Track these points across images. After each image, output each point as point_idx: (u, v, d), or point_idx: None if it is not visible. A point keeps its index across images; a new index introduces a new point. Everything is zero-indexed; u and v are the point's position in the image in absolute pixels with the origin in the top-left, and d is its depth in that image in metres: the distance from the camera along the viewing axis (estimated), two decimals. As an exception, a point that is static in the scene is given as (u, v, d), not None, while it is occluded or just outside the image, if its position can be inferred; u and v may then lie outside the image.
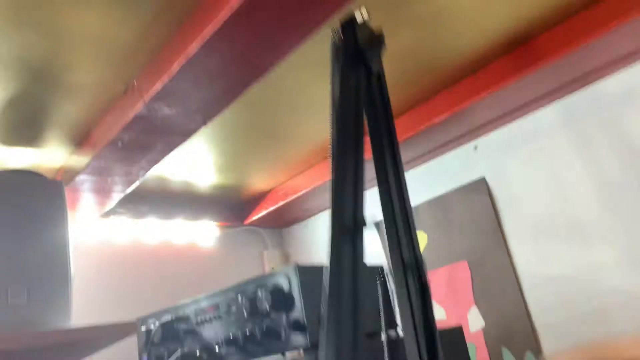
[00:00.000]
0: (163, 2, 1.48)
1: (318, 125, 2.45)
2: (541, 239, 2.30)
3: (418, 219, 2.58)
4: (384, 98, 1.31)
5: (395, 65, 1.95)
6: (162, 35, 1.61)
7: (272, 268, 3.53)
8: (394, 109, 1.28)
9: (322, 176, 2.88)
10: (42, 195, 1.86)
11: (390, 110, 1.29)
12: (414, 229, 1.20)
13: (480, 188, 2.54)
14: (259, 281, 1.54)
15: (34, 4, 1.40)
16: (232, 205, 3.39)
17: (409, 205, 1.22)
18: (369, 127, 1.27)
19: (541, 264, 2.29)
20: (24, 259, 1.65)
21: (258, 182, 3.08)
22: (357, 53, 1.25)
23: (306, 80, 2.01)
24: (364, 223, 1.06)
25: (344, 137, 1.15)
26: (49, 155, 2.28)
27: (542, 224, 2.31)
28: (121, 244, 2.95)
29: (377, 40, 1.25)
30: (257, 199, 3.34)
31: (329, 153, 1.10)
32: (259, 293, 1.50)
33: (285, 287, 1.47)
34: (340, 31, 1.28)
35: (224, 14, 1.39)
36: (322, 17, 1.43)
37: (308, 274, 1.45)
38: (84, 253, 2.72)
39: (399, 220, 1.21)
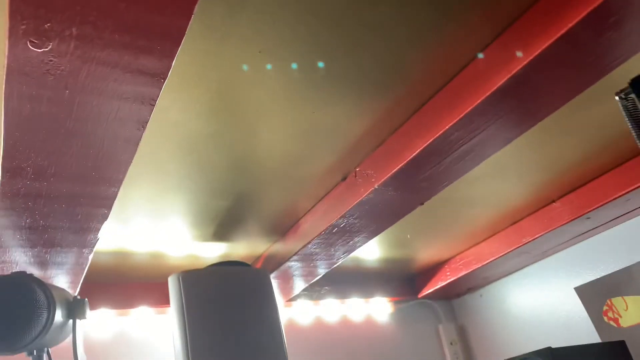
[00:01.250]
0: (400, 93, 1.47)
1: (510, 191, 2.31)
2: None
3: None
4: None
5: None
6: (393, 126, 1.60)
7: (451, 343, 3.32)
8: None
9: (508, 243, 2.71)
10: (252, 283, 1.89)
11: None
12: None
13: None
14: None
15: (270, 103, 1.44)
16: (403, 279, 3.28)
17: None
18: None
19: None
20: (252, 340, 1.69)
21: (434, 252, 2.95)
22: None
23: (514, 148, 1.90)
24: None
25: None
26: (248, 247, 2.33)
27: None
28: (304, 324, 2.94)
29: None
30: (430, 271, 3.20)
31: None
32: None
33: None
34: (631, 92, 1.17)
35: (479, 94, 1.34)
36: (593, 81, 1.32)
37: None
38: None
39: None
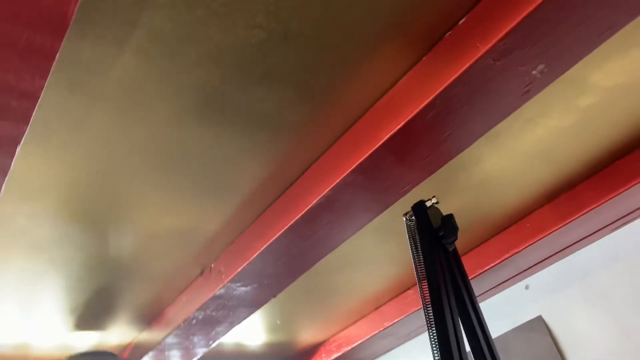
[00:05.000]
0: (246, 196, 1.66)
1: (370, 280, 2.54)
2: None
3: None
4: (460, 268, 1.43)
5: (446, 222, 2.09)
6: (242, 224, 1.78)
7: None
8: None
9: (373, 326, 2.91)
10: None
11: (466, 276, 1.41)
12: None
13: (539, 327, 2.54)
14: None
15: (123, 209, 1.58)
16: (284, 360, 3.38)
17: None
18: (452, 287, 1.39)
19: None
20: None
21: (309, 335, 3.09)
22: (433, 235, 1.39)
23: (364, 243, 2.14)
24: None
25: (438, 303, 1.26)
26: (118, 335, 2.36)
27: (611, 362, 2.28)
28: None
29: (450, 225, 1.39)
30: (308, 353, 3.32)
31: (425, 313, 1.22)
32: None
33: None
34: (413, 215, 1.43)
35: (304, 206, 1.56)
36: (390, 203, 1.59)
37: None
38: None
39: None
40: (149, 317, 2.25)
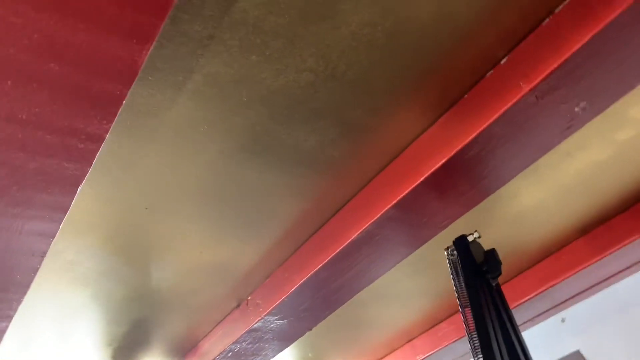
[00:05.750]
0: (284, 230, 1.69)
1: (402, 313, 2.53)
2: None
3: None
4: (503, 301, 1.42)
5: (481, 255, 2.09)
6: (279, 258, 1.80)
7: None
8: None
9: (406, 358, 2.88)
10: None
11: (510, 310, 1.40)
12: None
13: (577, 362, 2.48)
14: None
15: (164, 244, 1.62)
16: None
17: None
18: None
19: None
20: None
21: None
22: (476, 270, 1.39)
23: (399, 277, 2.14)
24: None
25: (484, 332, 1.26)
26: (152, 367, 2.38)
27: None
28: None
29: (494, 260, 1.39)
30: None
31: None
32: None
33: None
34: (454, 249, 1.43)
35: (343, 240, 1.57)
36: (428, 237, 1.60)
37: None
38: None
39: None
40: (184, 349, 2.27)
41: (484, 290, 1.35)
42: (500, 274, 1.38)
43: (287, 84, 1.15)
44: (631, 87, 1.20)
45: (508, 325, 1.38)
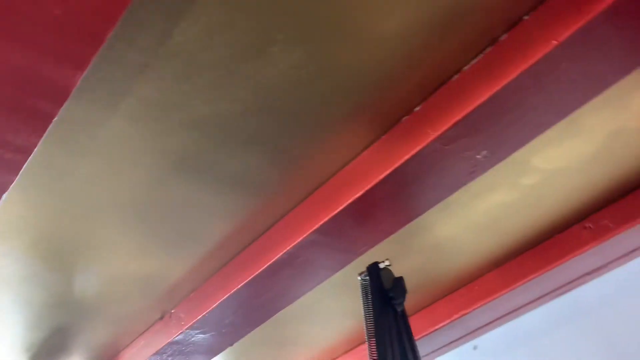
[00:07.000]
0: (211, 248, 1.75)
1: (325, 332, 2.62)
2: None
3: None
4: (407, 327, 1.54)
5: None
6: (205, 274, 1.86)
7: None
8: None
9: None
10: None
11: (412, 336, 1.51)
12: None
13: (486, 388, 2.64)
14: None
15: (91, 252, 1.65)
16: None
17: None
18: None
19: None
20: None
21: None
22: (384, 295, 1.51)
23: (321, 297, 2.24)
24: None
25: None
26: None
27: None
28: None
29: (400, 288, 1.51)
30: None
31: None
32: None
33: None
34: (367, 275, 1.54)
35: (266, 260, 1.66)
36: (347, 262, 1.70)
37: None
38: None
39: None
40: (105, 358, 2.26)
41: (390, 316, 1.46)
42: (404, 300, 1.50)
43: (218, 112, 1.24)
44: (526, 141, 1.36)
45: (409, 352, 1.49)
